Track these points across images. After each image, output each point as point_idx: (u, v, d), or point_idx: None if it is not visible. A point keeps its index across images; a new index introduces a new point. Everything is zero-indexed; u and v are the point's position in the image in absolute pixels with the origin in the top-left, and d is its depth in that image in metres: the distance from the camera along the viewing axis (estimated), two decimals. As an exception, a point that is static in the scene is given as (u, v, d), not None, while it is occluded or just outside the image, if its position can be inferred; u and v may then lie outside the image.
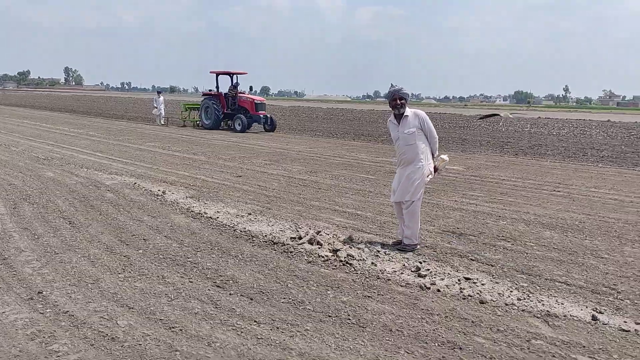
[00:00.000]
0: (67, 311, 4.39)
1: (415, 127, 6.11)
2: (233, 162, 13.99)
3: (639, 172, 14.12)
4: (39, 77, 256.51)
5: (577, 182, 12.00)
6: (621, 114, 78.23)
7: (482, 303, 4.70)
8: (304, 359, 3.72)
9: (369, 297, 4.82)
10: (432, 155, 6.29)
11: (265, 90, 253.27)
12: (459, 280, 5.27)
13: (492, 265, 5.77)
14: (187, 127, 27.32)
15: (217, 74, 26.40)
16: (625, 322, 4.40)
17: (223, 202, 8.83)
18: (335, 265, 5.62)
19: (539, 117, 49.90)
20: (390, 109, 6.30)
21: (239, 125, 24.62)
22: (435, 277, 5.34)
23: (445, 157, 6.43)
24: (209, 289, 4.92)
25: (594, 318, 4.41)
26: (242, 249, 6.18)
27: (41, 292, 4.76)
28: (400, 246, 6.19)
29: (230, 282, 5.12)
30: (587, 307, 4.69)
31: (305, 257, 5.86)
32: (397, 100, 6.19)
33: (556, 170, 14.02)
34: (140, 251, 6.02)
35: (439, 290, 4.99)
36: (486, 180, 11.98)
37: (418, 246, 6.18)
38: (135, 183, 10.30)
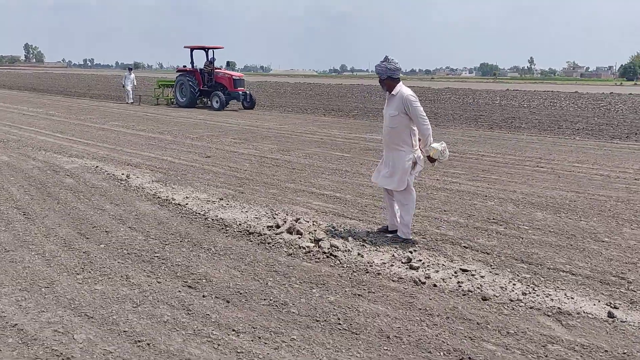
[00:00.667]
0: (16, 324, 3.77)
1: (399, 110, 5.52)
2: (201, 141, 13.28)
3: (617, 146, 13.95)
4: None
5: (558, 156, 11.71)
6: (585, 85, 79.32)
7: (485, 300, 4.26)
8: (293, 378, 3.21)
9: (359, 295, 4.32)
10: (426, 143, 5.53)
11: (231, 66, 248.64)
12: (455, 272, 4.81)
13: (488, 253, 5.34)
14: (160, 105, 25.85)
15: (192, 49, 24.87)
16: (641, 317, 4.02)
17: (192, 186, 8.20)
18: (319, 258, 5.10)
19: (507, 90, 50.00)
20: None
21: (217, 102, 23.28)
22: (429, 269, 4.88)
23: (437, 145, 5.52)
24: (179, 291, 4.35)
25: (610, 315, 4.01)
26: (215, 240, 5.60)
27: (-17, 302, 4.12)
28: (393, 236, 5.69)
29: (204, 281, 4.55)
30: (599, 301, 4.29)
31: (285, 249, 5.32)
32: (379, 78, 5.66)
33: (535, 145, 13.74)
34: (102, 246, 5.39)
35: (435, 285, 4.53)
36: (466, 156, 11.59)
37: (410, 238, 5.70)
38: (97, 166, 9.55)
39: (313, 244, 5.39)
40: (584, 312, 4.09)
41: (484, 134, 16.04)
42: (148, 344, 3.53)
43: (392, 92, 5.60)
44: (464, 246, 5.54)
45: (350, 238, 5.61)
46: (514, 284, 4.57)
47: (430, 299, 4.26)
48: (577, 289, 4.52)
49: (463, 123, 19.25)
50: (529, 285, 4.55)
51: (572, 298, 4.33)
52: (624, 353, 3.49)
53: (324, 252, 5.19)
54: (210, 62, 24.59)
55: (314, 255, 5.17)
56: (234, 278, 4.61)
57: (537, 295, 4.36)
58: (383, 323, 3.86)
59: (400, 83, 5.61)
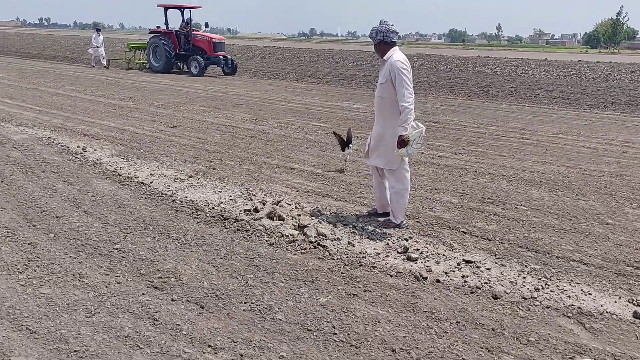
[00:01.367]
0: (-60, 341, 3.08)
1: (387, 77, 4.87)
2: (166, 109, 12.39)
3: (597, 116, 13.64)
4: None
5: (540, 127, 11.30)
6: (552, 52, 79.65)
7: (496, 298, 3.75)
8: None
9: (354, 295, 3.75)
10: (402, 121, 4.73)
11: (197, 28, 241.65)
12: (458, 264, 4.28)
13: (490, 240, 4.83)
14: (132, 70, 23.99)
15: (166, 8, 22.79)
16: (671, 317, 3.57)
17: (157, 160, 7.45)
18: (305, 249, 4.50)
19: (478, 56, 49.65)
20: None
21: (196, 67, 21.55)
22: (429, 261, 4.34)
23: (416, 132, 4.70)
24: (143, 293, 3.70)
25: (636, 315, 3.55)
26: (185, 227, 4.94)
27: None
28: (383, 222, 5.12)
29: (172, 279, 3.91)
30: (620, 297, 3.83)
31: (266, 238, 4.70)
32: (374, 44, 5.02)
33: (515, 114, 13.31)
34: (52, 235, 4.67)
35: (438, 281, 3.99)
36: (448, 127, 11.06)
37: (404, 222, 5.14)
38: (49, 138, 8.68)
39: (297, 232, 4.78)
40: (607, 312, 3.62)
41: (462, 103, 15.54)
42: (105, 367, 2.90)
43: (384, 57, 4.96)
44: (463, 231, 5.02)
45: (338, 224, 5.02)
46: (524, 278, 4.07)
47: (436, 299, 3.72)
48: (593, 282, 4.05)
49: (440, 91, 18.72)
50: (540, 279, 4.06)
51: (590, 294, 3.86)
52: (668, 368, 3.03)
53: (311, 242, 4.59)
54: (186, 23, 22.78)
55: (299, 245, 4.56)
56: (208, 275, 3.98)
57: (551, 291, 3.87)
58: (385, 331, 3.30)
59: (395, 48, 4.96)
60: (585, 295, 3.83)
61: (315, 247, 4.52)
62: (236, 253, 4.39)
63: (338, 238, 4.69)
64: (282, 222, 4.95)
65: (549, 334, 3.32)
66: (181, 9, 22.98)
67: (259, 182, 6.50)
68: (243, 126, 10.34)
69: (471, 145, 9.15)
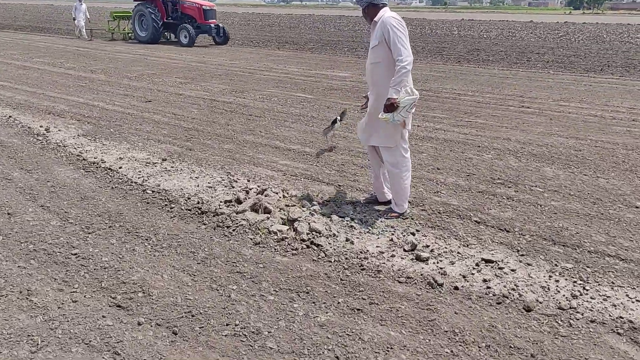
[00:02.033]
0: None
1: (380, 38, 4.16)
2: (140, 81, 11.52)
3: (596, 80, 13.03)
4: None
5: (539, 94, 10.66)
6: (536, 14, 78.62)
7: (529, 310, 3.14)
8: None
9: (358, 310, 3.13)
10: (395, 83, 4.04)
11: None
12: (476, 264, 3.67)
13: (508, 231, 4.22)
14: (117, 41, 22.25)
15: None
16: None
17: (128, 141, 6.70)
18: (296, 248, 3.85)
19: (462, 20, 48.64)
20: None
21: (185, 37, 20.12)
22: (441, 260, 3.72)
23: (408, 98, 4.05)
24: (104, 315, 3.04)
25: (698, 328, 2.98)
26: (157, 224, 4.26)
27: None
28: (384, 213, 4.48)
29: (139, 294, 3.25)
30: (672, 304, 3.25)
31: (251, 236, 4.04)
32: (362, 9, 4.31)
33: (510, 80, 12.64)
34: (0, 238, 3.97)
35: (456, 288, 3.38)
36: (442, 95, 10.37)
37: (407, 211, 4.51)
38: (9, 117, 7.86)
39: (287, 227, 4.12)
40: (662, 324, 3.04)
41: (453, 69, 14.81)
42: None
43: (375, 19, 4.25)
44: (476, 221, 4.40)
45: (333, 216, 4.36)
46: (556, 281, 3.47)
47: (457, 313, 3.11)
48: (637, 284, 3.47)
49: (428, 56, 17.95)
50: (575, 282, 3.46)
51: (638, 300, 3.28)
52: None
53: (303, 240, 3.94)
54: None
55: (289, 244, 3.91)
56: (183, 288, 3.32)
57: (591, 299, 3.28)
58: (401, 362, 2.69)
59: (386, 9, 4.23)
60: (633, 302, 3.25)
61: (308, 247, 3.87)
62: (216, 256, 3.73)
63: (334, 234, 4.05)
64: (269, 215, 4.29)
65: None
66: None
67: (241, 164, 5.80)
68: (222, 99, 9.56)
69: (469, 116, 8.50)
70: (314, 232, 4.00)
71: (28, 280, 3.39)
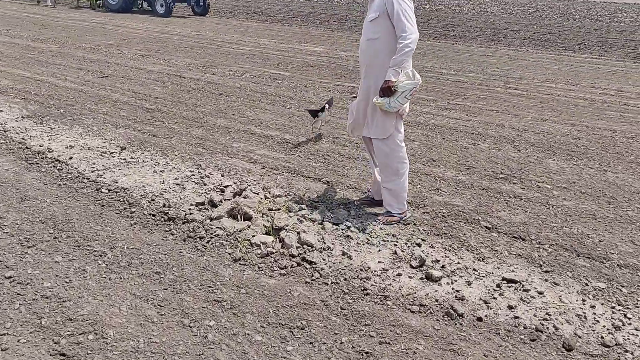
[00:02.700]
0: None
1: (380, 10, 3.54)
2: (97, 53, 10.54)
3: (576, 60, 12.65)
4: None
5: (522, 74, 10.19)
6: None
7: (570, 349, 2.61)
8: None
9: (367, 354, 2.54)
10: (395, 63, 3.49)
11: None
12: (497, 285, 3.12)
13: (525, 239, 3.69)
14: (82, 9, 20.18)
15: None
16: None
17: (81, 125, 5.90)
18: (285, 267, 3.23)
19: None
20: None
21: (162, 6, 18.48)
22: (456, 280, 3.16)
23: (410, 73, 3.53)
24: (45, 367, 2.37)
25: None
26: (114, 234, 3.56)
27: None
28: (383, 218, 3.87)
29: (91, 337, 2.58)
30: None
31: (229, 250, 3.39)
32: None
33: (490, 59, 12.15)
34: None
35: (480, 319, 2.82)
36: (423, 75, 9.67)
37: (408, 214, 3.93)
38: (-57, 93, 6.90)
39: (272, 239, 3.48)
40: None
41: (430, 45, 14.21)
42: None
43: None
44: (486, 226, 3.85)
45: (326, 222, 3.74)
46: (592, 307, 2.95)
47: (486, 356, 2.55)
48: (683, 309, 2.98)
49: (402, 31, 17.27)
50: (614, 308, 2.96)
51: (690, 332, 2.79)
52: None
53: (292, 255, 3.31)
54: None
55: (276, 260, 3.28)
56: (147, 326, 2.67)
57: (637, 330, 2.77)
58: None
59: None
60: (684, 334, 2.76)
61: (298, 264, 3.25)
62: (187, 278, 3.08)
63: (328, 247, 3.43)
64: (250, 222, 3.64)
65: (666, 418, 2.22)
66: None
67: (213, 154, 5.11)
68: (189, 75, 8.74)
69: (456, 98, 7.95)
70: (304, 245, 3.38)
71: (-51, 315, 2.68)
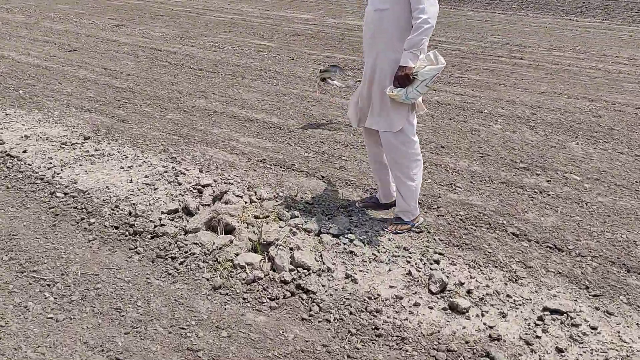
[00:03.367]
0: None
1: None
2: (65, 22, 9.67)
3: (580, 24, 11.95)
4: None
5: (526, 40, 9.50)
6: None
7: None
8: None
9: None
10: (411, 46, 2.81)
11: None
12: (539, 318, 2.53)
13: (562, 250, 3.10)
14: None
15: None
16: None
17: (40, 108, 5.19)
18: (276, 297, 2.62)
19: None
20: None
21: None
22: (487, 311, 2.57)
23: (432, 56, 2.88)
24: None
25: None
26: (67, 255, 2.91)
27: None
28: (392, 227, 3.24)
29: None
30: None
31: (207, 274, 2.76)
32: None
33: (490, 25, 11.41)
34: None
35: (525, 370, 2.24)
36: (421, 43, 9.03)
37: (420, 219, 3.31)
38: None
39: (260, 258, 2.85)
40: None
41: (424, 10, 13.39)
42: None
43: None
44: (513, 233, 3.26)
45: (324, 235, 3.11)
46: (659, 346, 2.38)
47: None
48: None
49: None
50: (686, 347, 2.39)
51: None
52: None
53: (285, 282, 2.70)
54: None
55: (265, 288, 2.66)
56: (100, 393, 2.05)
57: None
58: None
59: None
60: None
61: (293, 294, 2.64)
62: (156, 316, 2.46)
63: (328, 268, 2.81)
64: (233, 237, 3.00)
65: None
66: None
67: (190, 144, 4.44)
68: (165, 48, 7.97)
69: (458, 70, 7.28)
70: (299, 268, 2.76)
71: None
